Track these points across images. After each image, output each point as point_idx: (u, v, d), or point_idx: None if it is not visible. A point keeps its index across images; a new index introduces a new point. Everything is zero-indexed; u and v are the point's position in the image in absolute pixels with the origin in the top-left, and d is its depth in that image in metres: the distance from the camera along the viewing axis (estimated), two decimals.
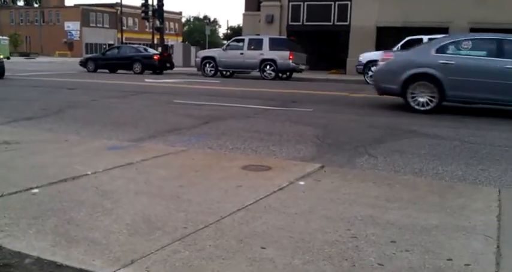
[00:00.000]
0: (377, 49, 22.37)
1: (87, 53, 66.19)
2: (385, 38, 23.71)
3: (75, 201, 2.99)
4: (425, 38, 17.87)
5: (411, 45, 18.18)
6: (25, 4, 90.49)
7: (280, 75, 21.25)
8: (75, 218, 2.68)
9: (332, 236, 2.52)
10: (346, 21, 27.45)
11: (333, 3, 28.54)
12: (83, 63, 25.68)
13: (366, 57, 19.16)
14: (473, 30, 21.96)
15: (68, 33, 74.53)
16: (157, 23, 33.41)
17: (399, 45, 18.33)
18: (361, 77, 19.29)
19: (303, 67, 21.62)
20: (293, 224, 2.69)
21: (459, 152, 5.23)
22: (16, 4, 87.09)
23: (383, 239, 2.50)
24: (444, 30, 21.70)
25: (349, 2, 27.27)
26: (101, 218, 2.68)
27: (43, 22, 76.05)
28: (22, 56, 58.54)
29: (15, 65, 31.88)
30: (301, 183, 3.62)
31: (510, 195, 3.51)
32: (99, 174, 3.62)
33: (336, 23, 28.48)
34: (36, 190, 3.18)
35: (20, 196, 3.07)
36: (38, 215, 2.71)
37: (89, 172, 3.64)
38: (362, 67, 19.00)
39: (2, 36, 54.94)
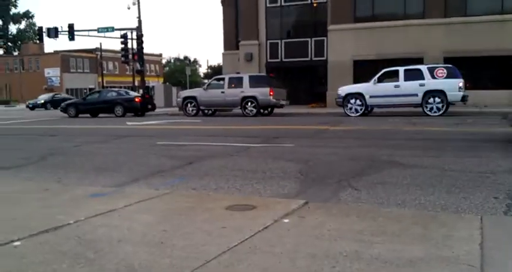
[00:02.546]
0: (355, 82, 22.84)
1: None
2: (362, 70, 24.24)
3: (57, 252, 2.94)
4: (401, 69, 18.35)
5: (388, 76, 18.68)
6: (4, 53, 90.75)
7: (261, 111, 21.48)
8: (57, 270, 2.64)
9: None
10: (323, 56, 28.09)
11: (309, 39, 29.28)
12: (64, 109, 25.69)
13: (344, 90, 19.53)
14: (447, 59, 22.62)
15: (48, 80, 74.62)
16: (138, 65, 33.71)
17: (376, 77, 18.74)
18: (340, 109, 19.59)
19: (283, 102, 21.91)
20: (278, 264, 2.68)
21: (440, 181, 5.30)
22: None
23: None
24: (419, 61, 22.33)
25: (325, 38, 27.97)
26: (84, 269, 2.64)
27: (23, 69, 76.16)
28: (2, 104, 58.30)
29: None
30: (286, 220, 3.61)
31: (492, 222, 3.55)
32: (81, 223, 3.58)
33: (314, 58, 29.12)
34: (17, 243, 3.13)
35: (2, 249, 3.02)
36: (20, 269, 2.66)
37: (71, 222, 3.60)
38: (341, 100, 19.32)
39: None
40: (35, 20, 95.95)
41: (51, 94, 52.09)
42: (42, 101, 47.47)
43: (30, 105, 46.51)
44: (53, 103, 46.50)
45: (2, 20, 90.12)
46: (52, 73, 74.46)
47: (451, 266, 2.61)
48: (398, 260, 2.70)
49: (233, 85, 21.60)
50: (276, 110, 22.49)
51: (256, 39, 30.46)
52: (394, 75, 18.54)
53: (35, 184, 5.57)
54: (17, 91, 74.04)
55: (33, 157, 8.20)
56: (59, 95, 50.80)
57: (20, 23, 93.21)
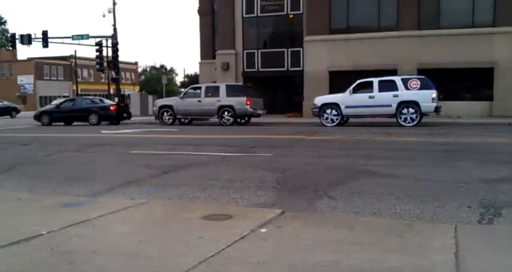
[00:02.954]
0: (331, 92, 23.06)
1: (41, 106, 65.01)
2: (338, 81, 24.47)
3: (28, 263, 2.87)
4: (375, 80, 18.60)
5: (363, 87, 18.90)
6: None
7: (238, 120, 21.47)
8: None
9: None
10: (300, 67, 28.30)
11: (285, 50, 29.47)
12: (37, 117, 25.21)
13: (320, 100, 19.68)
14: (420, 71, 23.03)
15: (21, 87, 73.22)
16: (113, 73, 33.41)
17: (351, 87, 18.96)
18: (317, 119, 19.70)
19: (260, 112, 21.94)
20: None
21: (415, 190, 5.36)
22: None
23: None
24: (394, 72, 22.67)
25: (301, 49, 28.19)
26: None
27: None
28: None
29: None
30: (263, 230, 3.60)
31: (466, 232, 3.60)
32: (54, 233, 3.50)
33: (290, 69, 29.31)
34: None
35: None
36: None
37: (44, 232, 3.51)
38: (317, 110, 19.45)
39: None
40: (7, 26, 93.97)
41: None
42: None
43: None
44: None
45: None
46: (25, 80, 73.09)
47: None
48: (375, 270, 2.71)
49: (210, 95, 21.56)
50: (252, 119, 22.49)
51: (233, 48, 30.51)
52: (368, 86, 18.77)
53: (6, 193, 5.44)
54: None
55: (4, 166, 8.00)
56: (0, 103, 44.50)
57: None
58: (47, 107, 28.06)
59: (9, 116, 41.56)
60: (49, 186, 6.13)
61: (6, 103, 46.19)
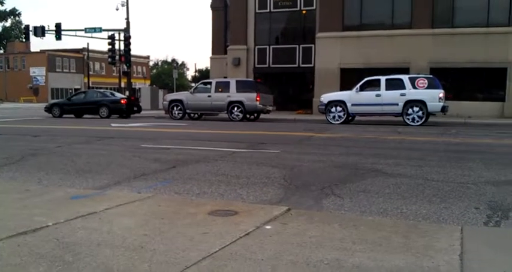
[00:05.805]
0: (341, 89, 22.97)
1: (52, 98, 65.58)
2: (349, 78, 24.35)
3: (34, 254, 2.89)
4: (382, 78, 18.51)
5: (370, 85, 18.84)
6: None
7: (247, 116, 21.49)
8: None
9: None
10: (311, 63, 28.22)
11: (297, 46, 29.40)
12: (48, 109, 25.40)
13: (326, 97, 19.64)
14: (433, 69, 22.86)
15: (34, 79, 73.82)
16: (125, 67, 33.53)
17: (358, 85, 18.92)
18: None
19: (270, 108, 21.93)
20: None
21: (422, 190, 5.33)
22: None
23: None
24: (406, 70, 22.53)
25: (312, 45, 28.10)
26: None
27: (8, 68, 75.30)
28: None
29: None
30: (268, 227, 3.60)
31: (472, 233, 3.57)
32: (60, 225, 3.53)
33: (301, 65, 29.25)
34: None
35: None
36: None
37: (50, 224, 3.55)
38: (324, 107, 19.41)
39: None
40: (21, 18, 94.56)
41: None
42: None
43: None
44: None
45: None
46: (38, 72, 73.69)
47: None
48: (379, 269, 2.71)
49: (220, 90, 21.59)
50: (262, 116, 22.50)
51: (245, 44, 30.49)
52: (376, 84, 18.70)
53: (15, 184, 5.49)
54: (1, 89, 73.15)
55: (14, 157, 8.08)
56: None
57: (6, 20, 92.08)
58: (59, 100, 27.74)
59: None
60: (58, 177, 6.18)
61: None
